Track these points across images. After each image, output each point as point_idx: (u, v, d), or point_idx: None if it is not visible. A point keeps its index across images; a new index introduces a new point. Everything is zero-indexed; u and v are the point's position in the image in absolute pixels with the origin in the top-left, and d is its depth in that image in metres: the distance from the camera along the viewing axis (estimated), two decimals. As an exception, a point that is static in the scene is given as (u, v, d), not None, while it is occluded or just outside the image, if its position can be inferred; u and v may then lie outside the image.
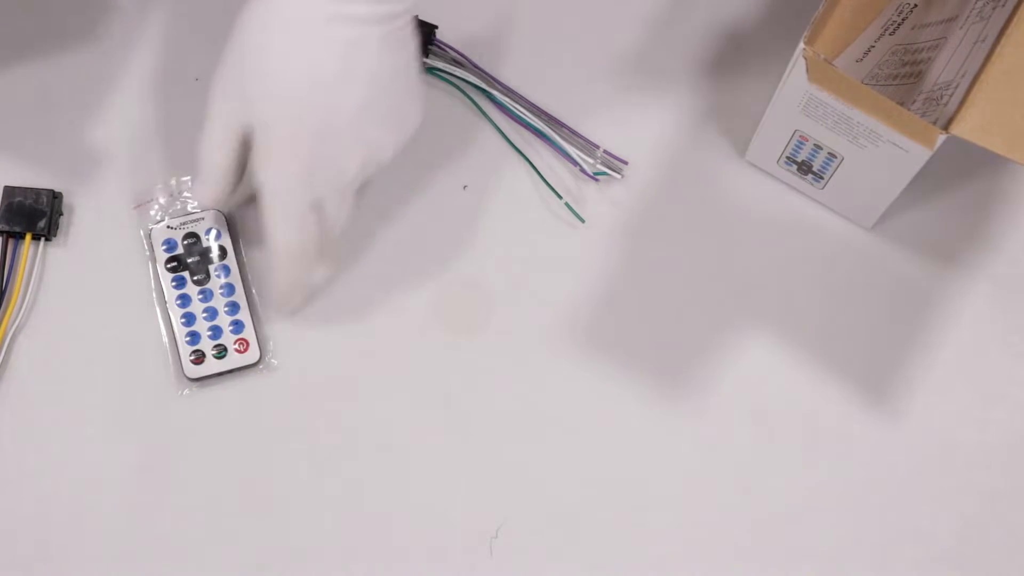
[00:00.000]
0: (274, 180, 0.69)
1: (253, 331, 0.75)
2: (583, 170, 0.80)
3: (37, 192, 0.77)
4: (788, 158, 0.78)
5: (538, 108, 0.81)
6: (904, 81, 0.77)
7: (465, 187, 0.80)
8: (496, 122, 0.81)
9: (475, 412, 0.76)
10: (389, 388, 0.76)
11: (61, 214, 0.77)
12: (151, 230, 0.77)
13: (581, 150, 0.80)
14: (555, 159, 0.81)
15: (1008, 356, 0.78)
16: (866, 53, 0.76)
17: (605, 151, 0.80)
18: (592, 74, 0.83)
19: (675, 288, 0.79)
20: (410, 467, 0.75)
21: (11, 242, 0.76)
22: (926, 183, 0.78)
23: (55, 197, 0.77)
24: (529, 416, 0.76)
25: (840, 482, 0.76)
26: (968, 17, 0.77)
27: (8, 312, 0.75)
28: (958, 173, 0.81)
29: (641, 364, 0.77)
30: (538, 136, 0.80)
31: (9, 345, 0.75)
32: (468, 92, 0.81)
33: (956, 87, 0.75)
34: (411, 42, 0.69)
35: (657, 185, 0.81)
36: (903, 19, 0.77)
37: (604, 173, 0.80)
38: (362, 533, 0.74)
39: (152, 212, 0.77)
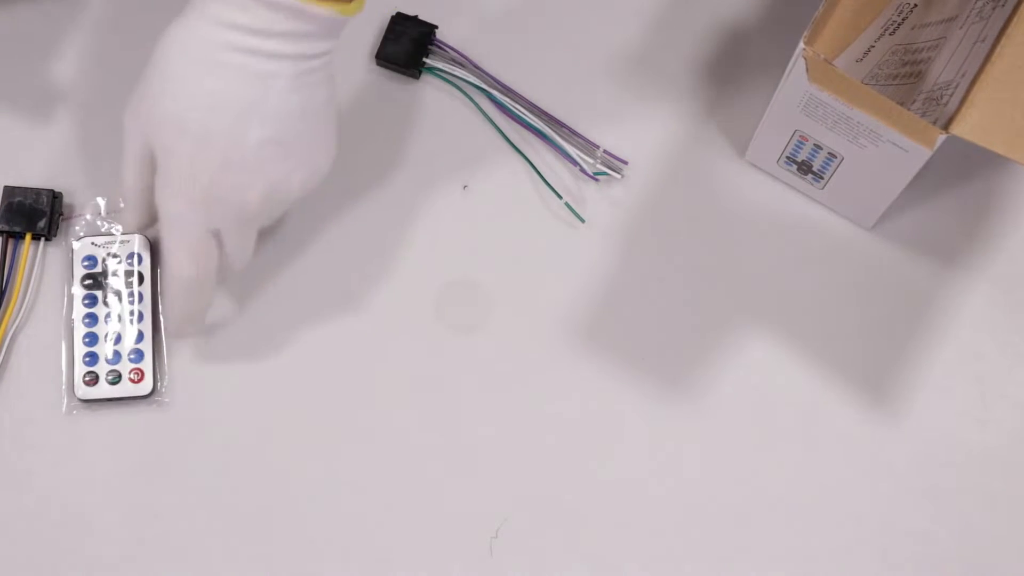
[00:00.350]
0: (172, 206, 0.69)
1: (151, 363, 0.75)
2: (583, 170, 0.80)
3: (37, 192, 0.77)
4: (788, 158, 0.78)
5: (538, 108, 0.81)
6: (904, 81, 0.77)
7: (465, 187, 0.80)
8: (496, 122, 0.81)
9: (475, 412, 0.76)
10: (388, 388, 0.76)
11: (61, 214, 0.77)
12: (74, 244, 0.76)
13: (581, 150, 0.80)
14: (555, 159, 0.81)
15: (1008, 356, 0.78)
16: (866, 53, 0.76)
17: (605, 151, 0.80)
18: (592, 74, 0.83)
19: (675, 288, 0.79)
20: (410, 467, 0.75)
21: (11, 242, 0.76)
22: (926, 183, 0.78)
23: (55, 197, 0.77)
24: (529, 416, 0.76)
25: (840, 482, 0.76)
26: (968, 17, 0.77)
27: (8, 312, 0.75)
28: (958, 173, 0.81)
29: (641, 364, 0.77)
30: (538, 136, 0.80)
31: (9, 345, 0.75)
32: (468, 92, 0.81)
33: (956, 87, 0.75)
34: (328, 83, 0.68)
35: (657, 185, 0.81)
36: (903, 19, 0.77)
37: (604, 173, 0.80)
38: (361, 534, 0.74)
39: (78, 227, 0.77)
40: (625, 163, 0.80)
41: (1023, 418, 0.77)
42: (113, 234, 0.77)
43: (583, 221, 0.79)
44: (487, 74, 0.81)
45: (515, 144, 0.80)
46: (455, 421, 0.76)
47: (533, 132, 0.80)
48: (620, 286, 0.79)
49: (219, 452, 0.75)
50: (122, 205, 0.74)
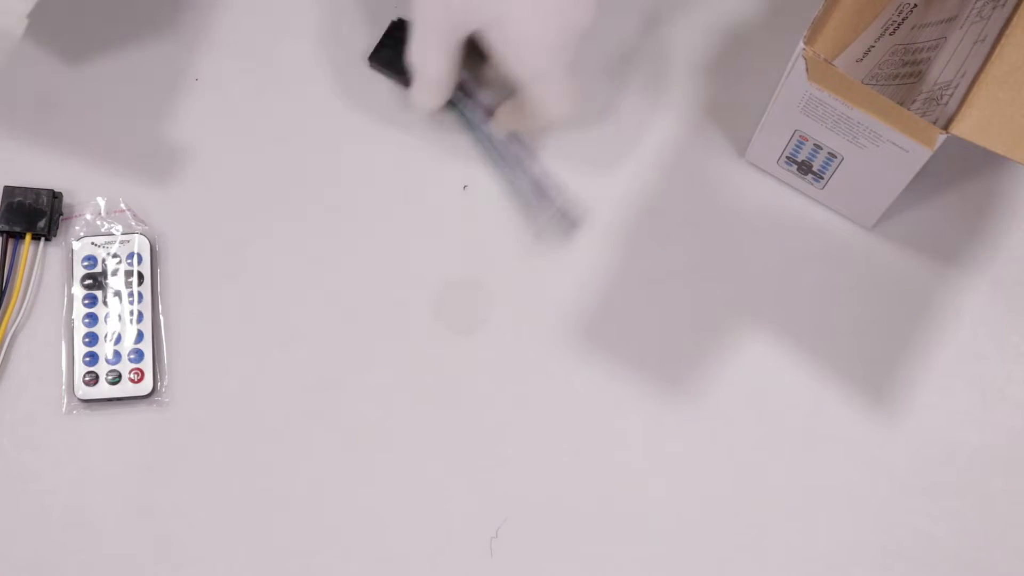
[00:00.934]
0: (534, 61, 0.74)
1: (151, 363, 0.75)
2: (538, 218, 0.78)
3: (37, 192, 0.77)
4: (788, 158, 0.78)
5: (505, 143, 0.79)
6: (904, 81, 0.77)
7: (465, 187, 0.80)
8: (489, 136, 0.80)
9: (475, 412, 0.76)
10: (388, 388, 0.76)
11: (61, 214, 0.77)
12: (74, 244, 0.76)
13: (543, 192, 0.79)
14: (550, 162, 0.80)
15: (1008, 356, 0.78)
16: (866, 53, 0.76)
17: (560, 207, 0.78)
18: (592, 74, 0.82)
19: (675, 288, 0.79)
20: (410, 467, 0.75)
21: (11, 242, 0.76)
22: (926, 183, 0.78)
23: (55, 197, 0.77)
24: (529, 416, 0.76)
25: (840, 482, 0.76)
26: (968, 17, 0.77)
27: (8, 312, 0.75)
28: (958, 173, 0.81)
29: (641, 364, 0.77)
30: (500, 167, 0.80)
31: (9, 345, 0.75)
32: (460, 105, 0.80)
33: (956, 87, 0.75)
34: None
35: (657, 185, 0.81)
36: (903, 19, 0.77)
37: (566, 222, 0.78)
38: (361, 534, 0.74)
39: (78, 227, 0.77)
40: (579, 220, 0.79)
41: (1023, 418, 0.77)
42: (113, 234, 0.77)
43: (575, 226, 0.79)
44: (472, 100, 0.79)
45: (503, 160, 0.80)
46: (455, 421, 0.76)
47: (497, 164, 0.80)
48: (620, 286, 0.79)
49: (219, 452, 0.75)
50: (417, 90, 0.76)
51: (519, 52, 0.74)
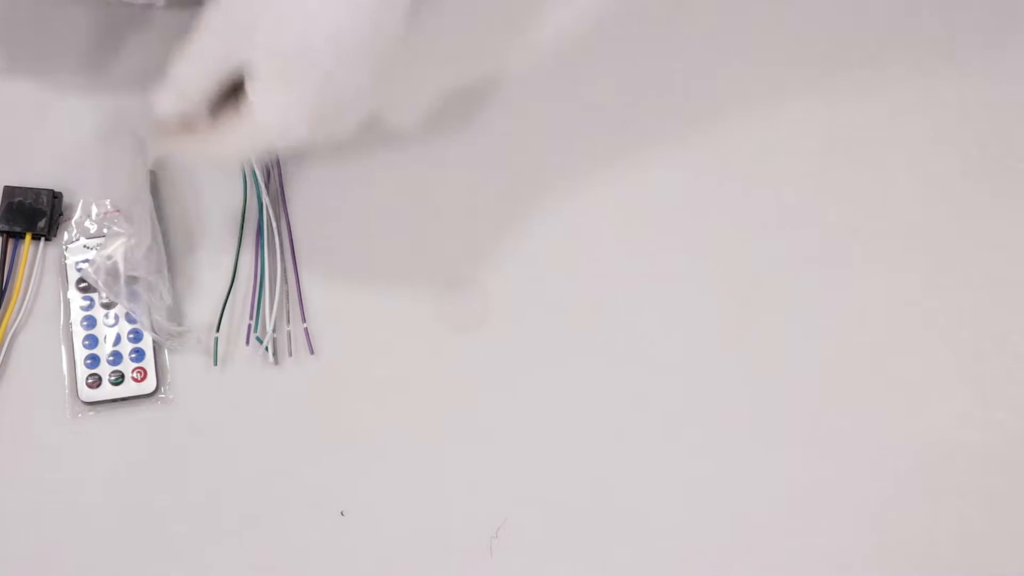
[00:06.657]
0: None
1: (153, 361, 0.75)
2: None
3: (37, 192, 0.77)
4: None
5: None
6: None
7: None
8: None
9: (475, 412, 0.76)
10: (388, 388, 0.76)
11: (61, 214, 0.77)
12: (67, 247, 0.76)
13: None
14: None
15: (1008, 356, 0.78)
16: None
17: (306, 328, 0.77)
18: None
19: (674, 287, 0.79)
20: (410, 467, 0.75)
21: (11, 242, 0.76)
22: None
23: (55, 197, 0.77)
24: (529, 416, 0.76)
25: (840, 482, 0.76)
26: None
27: (8, 312, 0.75)
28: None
29: (641, 363, 0.77)
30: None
31: (9, 345, 0.75)
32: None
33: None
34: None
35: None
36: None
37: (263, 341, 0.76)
38: (362, 533, 0.74)
39: (69, 232, 0.77)
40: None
41: (1023, 418, 0.77)
42: (103, 235, 0.77)
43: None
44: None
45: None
46: (455, 421, 0.76)
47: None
48: (619, 285, 0.79)
49: (225, 449, 0.75)
50: (166, 93, 0.67)
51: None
